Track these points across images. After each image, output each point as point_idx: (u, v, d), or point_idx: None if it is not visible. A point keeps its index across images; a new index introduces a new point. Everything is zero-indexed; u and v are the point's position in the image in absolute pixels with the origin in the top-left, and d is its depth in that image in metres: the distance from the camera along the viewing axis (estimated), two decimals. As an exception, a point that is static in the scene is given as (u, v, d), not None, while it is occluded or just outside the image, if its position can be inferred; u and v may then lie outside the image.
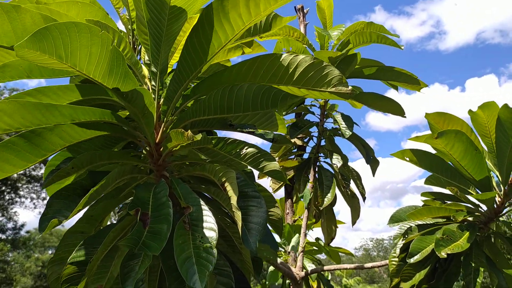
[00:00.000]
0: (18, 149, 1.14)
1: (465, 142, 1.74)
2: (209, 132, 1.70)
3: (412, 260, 1.83)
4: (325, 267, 2.61)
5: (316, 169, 2.81)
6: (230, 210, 1.23)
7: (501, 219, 2.01)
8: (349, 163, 2.85)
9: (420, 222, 2.05)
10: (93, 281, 1.39)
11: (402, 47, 2.61)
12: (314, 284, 3.21)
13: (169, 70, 1.49)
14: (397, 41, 2.52)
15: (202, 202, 1.24)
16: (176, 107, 1.43)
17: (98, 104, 1.46)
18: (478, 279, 1.76)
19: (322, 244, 3.46)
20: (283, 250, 3.53)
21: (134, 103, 1.22)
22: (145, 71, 1.46)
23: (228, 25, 1.19)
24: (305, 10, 3.32)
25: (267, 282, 3.47)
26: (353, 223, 2.87)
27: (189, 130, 1.21)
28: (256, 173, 1.54)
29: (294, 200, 3.08)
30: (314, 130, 2.90)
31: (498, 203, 1.92)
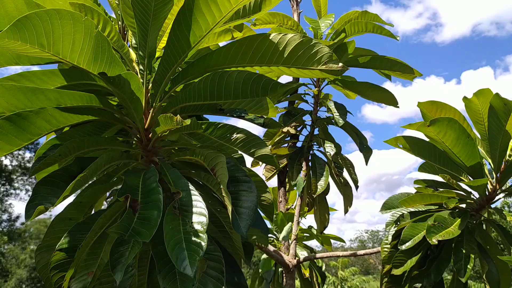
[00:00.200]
0: (3, 132, 1.12)
1: (457, 129, 1.74)
2: (199, 117, 1.69)
3: (403, 247, 1.84)
4: (318, 255, 2.61)
5: (309, 158, 2.81)
6: (220, 195, 1.22)
7: (493, 206, 2.02)
8: (346, 156, 2.85)
9: (412, 209, 2.05)
10: (83, 268, 1.38)
11: (398, 38, 2.60)
12: (307, 272, 3.22)
13: (158, 54, 1.47)
14: (392, 31, 2.51)
15: (192, 187, 1.22)
16: (165, 91, 1.41)
17: (86, 90, 1.44)
18: (468, 266, 1.77)
19: (315, 232, 3.46)
20: (276, 238, 3.53)
21: (121, 88, 1.20)
22: (133, 55, 1.44)
23: (215, 7, 1.16)
24: (298, -1, 3.29)
25: (260, 270, 3.48)
26: (346, 211, 2.88)
27: (178, 115, 1.20)
28: (248, 160, 1.54)
29: (287, 188, 3.08)
30: (307, 119, 2.89)
31: (490, 190, 1.92)
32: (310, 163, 2.78)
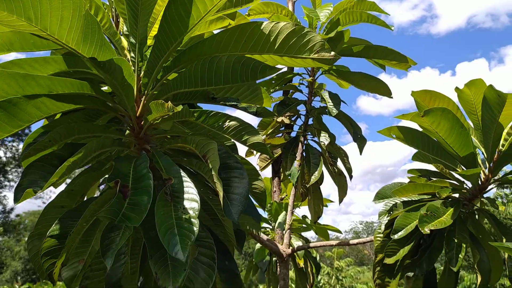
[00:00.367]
0: (-6, 118, 1.11)
1: (451, 120, 1.74)
2: (192, 106, 1.68)
3: (396, 236, 1.85)
4: (311, 244, 2.62)
5: (304, 148, 2.81)
6: (212, 181, 1.22)
7: (486, 195, 2.03)
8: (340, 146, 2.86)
9: (405, 199, 2.06)
10: (75, 256, 1.38)
11: (392, 28, 2.59)
12: (301, 262, 3.24)
13: (149, 42, 1.45)
14: (388, 22, 2.50)
15: (184, 174, 1.22)
16: (157, 80, 1.40)
17: (79, 78, 1.43)
18: (460, 255, 1.78)
19: (309, 222, 3.47)
20: (271, 228, 3.55)
21: (112, 74, 1.19)
22: (124, 42, 1.43)
23: (207, -7, 1.15)
24: (293, -13, 3.27)
25: (254, 260, 3.49)
26: (340, 201, 2.89)
27: (169, 102, 1.19)
28: (240, 148, 1.53)
29: (281, 178, 3.09)
30: (302, 109, 2.89)
31: (482, 179, 1.93)
32: (304, 153, 2.78)
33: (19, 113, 1.16)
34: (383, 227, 2.04)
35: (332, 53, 1.18)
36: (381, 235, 2.03)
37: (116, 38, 1.43)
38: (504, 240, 1.86)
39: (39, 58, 1.34)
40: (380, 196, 2.12)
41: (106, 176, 1.52)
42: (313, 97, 2.85)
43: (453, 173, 1.90)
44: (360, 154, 2.72)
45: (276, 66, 1.33)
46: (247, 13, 2.70)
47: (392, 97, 2.72)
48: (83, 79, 1.27)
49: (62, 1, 0.95)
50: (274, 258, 3.48)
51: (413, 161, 2.13)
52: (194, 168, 1.40)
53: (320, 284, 12.92)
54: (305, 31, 1.19)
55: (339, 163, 2.85)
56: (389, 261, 1.91)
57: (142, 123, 1.39)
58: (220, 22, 1.56)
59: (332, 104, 2.52)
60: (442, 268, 2.16)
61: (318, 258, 3.94)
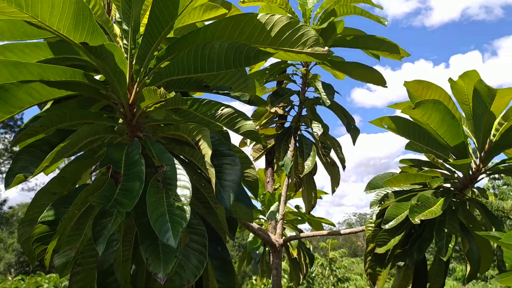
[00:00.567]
0: (-15, 104, 1.10)
1: (442, 111, 1.75)
2: (185, 95, 1.68)
3: (387, 226, 1.86)
4: (303, 234, 2.64)
5: (297, 138, 2.82)
6: (204, 168, 1.22)
7: (477, 185, 2.04)
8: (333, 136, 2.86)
9: (397, 189, 2.07)
10: (67, 243, 1.38)
11: (385, 23, 2.59)
12: (295, 252, 3.26)
13: (141, 30, 1.45)
14: (382, 14, 2.50)
15: (176, 162, 1.22)
16: (149, 68, 1.40)
17: (71, 65, 1.42)
18: (450, 245, 1.80)
19: (303, 212, 3.49)
20: (265, 220, 3.56)
21: (104, 59, 1.18)
22: (117, 29, 1.42)
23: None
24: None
25: (247, 250, 3.51)
26: (333, 191, 2.90)
27: (161, 88, 1.19)
28: (236, 142, 1.53)
29: (275, 169, 3.09)
30: (295, 99, 2.89)
31: (473, 169, 1.95)
32: (297, 144, 2.79)
33: (11, 99, 1.16)
34: (374, 217, 2.06)
35: (326, 48, 1.19)
36: (373, 225, 2.05)
37: (108, 25, 1.42)
38: (493, 230, 1.88)
39: (30, 44, 1.34)
40: (371, 186, 2.14)
41: (98, 163, 1.53)
42: (306, 88, 2.85)
43: (445, 163, 1.91)
44: (353, 144, 2.73)
45: (269, 52, 1.33)
46: (241, 0, 2.68)
47: (386, 86, 2.73)
48: (76, 67, 1.26)
49: (52, -14, 0.95)
50: (267, 249, 3.50)
51: (406, 154, 2.15)
52: (187, 156, 1.41)
53: (314, 275, 13.03)
54: (300, 24, 1.20)
55: (332, 154, 2.85)
56: (380, 250, 1.93)
57: (134, 110, 1.38)
58: (214, 11, 1.55)
59: (325, 94, 2.53)
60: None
61: (312, 249, 3.96)
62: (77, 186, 1.39)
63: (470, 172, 1.96)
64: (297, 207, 3.61)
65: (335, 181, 2.87)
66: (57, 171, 1.38)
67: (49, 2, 0.98)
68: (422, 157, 2.07)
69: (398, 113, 2.01)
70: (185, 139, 1.34)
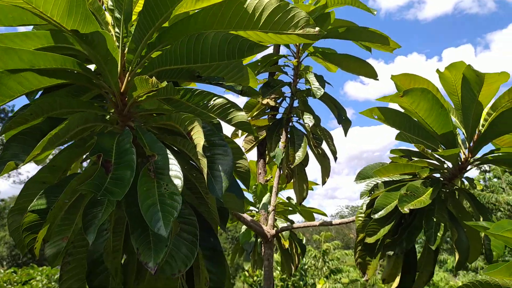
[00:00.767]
0: (-26, 92, 1.09)
1: (430, 100, 1.76)
2: (177, 85, 1.67)
3: (376, 216, 1.88)
4: (295, 225, 2.66)
5: (289, 129, 2.82)
6: (196, 159, 1.22)
7: (466, 175, 2.07)
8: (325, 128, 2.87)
9: (386, 179, 2.09)
10: (58, 233, 1.38)
11: (375, 12, 2.59)
12: (286, 243, 3.28)
13: (134, 18, 1.44)
14: (375, 7, 2.51)
15: (168, 151, 1.23)
16: (141, 56, 1.39)
17: (63, 54, 1.41)
18: (438, 233, 1.82)
19: (294, 203, 3.51)
20: (256, 211, 3.58)
21: (95, 47, 1.17)
22: (109, 17, 1.41)
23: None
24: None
25: (240, 242, 3.53)
26: (323, 182, 2.92)
27: (153, 77, 1.19)
28: (225, 127, 1.53)
29: (266, 160, 3.10)
30: (287, 91, 2.89)
31: (462, 159, 1.97)
32: (289, 135, 2.79)
33: (1, 88, 1.15)
34: (364, 207, 2.07)
35: (317, 28, 1.18)
36: (363, 215, 2.06)
37: (100, 13, 1.41)
38: (481, 219, 1.90)
39: (21, 33, 1.32)
40: (361, 176, 2.15)
41: (89, 152, 1.52)
42: (298, 79, 2.85)
43: (434, 153, 1.93)
44: (345, 136, 2.75)
45: (262, 45, 1.33)
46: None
47: (378, 79, 2.74)
48: (67, 56, 1.25)
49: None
50: (259, 240, 3.52)
51: (398, 147, 2.16)
52: (179, 146, 1.40)
53: (306, 267, 13.11)
54: (290, 7, 1.20)
55: (324, 145, 2.87)
56: (369, 240, 1.95)
57: (126, 99, 1.38)
58: (207, 0, 1.55)
59: (317, 85, 2.53)
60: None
61: (305, 241, 3.99)
62: (67, 175, 1.39)
63: (459, 163, 1.98)
64: (288, 198, 3.63)
65: (326, 172, 2.88)
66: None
67: (43, -11, 0.97)
68: (412, 147, 2.09)
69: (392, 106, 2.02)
70: (177, 129, 1.34)
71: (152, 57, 1.42)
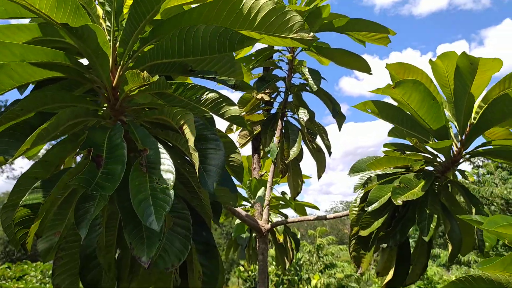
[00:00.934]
0: (-37, 86, 1.08)
1: (422, 92, 1.76)
2: (170, 79, 1.66)
3: (370, 209, 1.89)
4: (289, 219, 2.66)
5: (283, 124, 2.82)
6: (188, 153, 1.22)
7: (459, 167, 2.08)
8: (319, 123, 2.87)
9: (380, 172, 2.10)
10: (50, 228, 1.37)
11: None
12: (281, 238, 3.29)
13: (125, 11, 1.43)
14: (370, 3, 2.50)
15: (160, 146, 1.22)
16: (133, 51, 1.38)
17: (54, 48, 1.40)
18: (431, 225, 1.83)
19: (288, 198, 3.52)
20: (251, 206, 3.58)
21: (86, 41, 1.16)
22: (99, 11, 1.40)
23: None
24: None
25: (233, 234, 3.53)
26: (319, 176, 2.92)
27: (145, 71, 1.18)
28: (219, 122, 1.53)
29: (261, 155, 3.10)
30: (281, 86, 2.89)
31: (455, 152, 1.98)
32: (283, 130, 2.79)
33: (-11, 82, 1.14)
34: (358, 200, 2.08)
35: (311, 34, 1.19)
36: (356, 208, 2.07)
37: (91, 6, 1.40)
38: (473, 211, 1.92)
39: (12, 25, 1.31)
40: (355, 169, 2.16)
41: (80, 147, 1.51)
42: (292, 74, 2.85)
43: (427, 146, 1.94)
44: (339, 130, 2.75)
45: (253, 38, 1.32)
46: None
47: (371, 73, 2.74)
48: (59, 49, 1.24)
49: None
50: (253, 235, 3.53)
51: (388, 135, 2.16)
52: (171, 140, 1.40)
53: (301, 262, 13.16)
54: (286, 10, 1.20)
55: (318, 140, 2.87)
56: (363, 233, 1.96)
57: (118, 94, 1.37)
58: (201, -7, 1.54)
59: (312, 80, 2.53)
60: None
61: (300, 236, 4.00)
62: (60, 170, 1.38)
63: (452, 155, 1.99)
64: (283, 193, 3.64)
65: (321, 167, 2.89)
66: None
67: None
68: (405, 141, 2.09)
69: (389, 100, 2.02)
70: (170, 124, 1.33)
71: (144, 50, 1.41)
